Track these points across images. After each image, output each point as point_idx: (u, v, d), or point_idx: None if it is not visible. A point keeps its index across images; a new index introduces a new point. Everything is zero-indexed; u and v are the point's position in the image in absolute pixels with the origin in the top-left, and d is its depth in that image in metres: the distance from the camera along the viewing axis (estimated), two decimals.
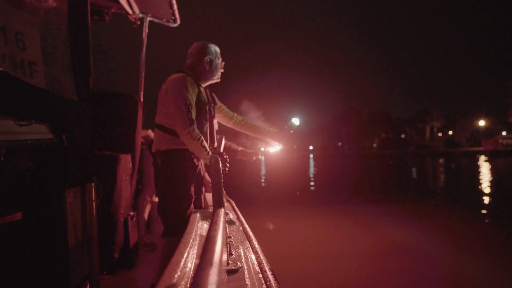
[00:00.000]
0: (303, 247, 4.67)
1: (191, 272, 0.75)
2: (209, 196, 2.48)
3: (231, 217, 1.47)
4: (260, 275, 0.86)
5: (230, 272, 0.81)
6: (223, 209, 0.81)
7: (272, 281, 0.81)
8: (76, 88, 1.18)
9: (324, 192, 11.08)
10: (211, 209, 1.89)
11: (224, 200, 2.56)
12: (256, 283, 0.80)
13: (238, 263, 0.87)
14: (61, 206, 1.16)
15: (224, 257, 0.46)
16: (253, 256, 0.99)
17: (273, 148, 2.57)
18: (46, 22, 1.13)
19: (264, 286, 0.81)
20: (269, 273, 0.85)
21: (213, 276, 0.34)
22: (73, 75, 1.17)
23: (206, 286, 0.33)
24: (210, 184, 1.95)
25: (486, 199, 8.33)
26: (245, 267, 0.87)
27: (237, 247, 1.02)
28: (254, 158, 2.58)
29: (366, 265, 3.84)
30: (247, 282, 0.78)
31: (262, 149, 2.68)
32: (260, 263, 0.92)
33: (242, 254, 0.95)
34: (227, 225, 1.28)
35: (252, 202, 8.63)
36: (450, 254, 4.19)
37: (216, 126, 2.38)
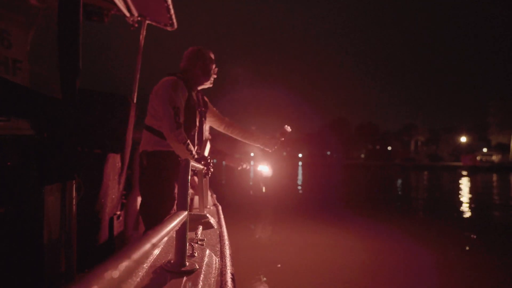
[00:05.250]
0: (283, 252, 4.65)
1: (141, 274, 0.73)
2: (197, 199, 2.44)
3: (212, 221, 1.44)
4: (218, 278, 0.83)
5: (184, 273, 0.79)
6: (185, 212, 0.78)
7: (229, 285, 0.78)
8: (62, 87, 1.15)
9: (313, 203, 11.15)
10: (195, 212, 1.86)
11: (211, 203, 2.53)
12: (211, 286, 0.77)
13: (196, 265, 0.83)
14: (39, 203, 1.13)
15: (149, 255, 0.43)
16: (217, 260, 0.96)
17: (262, 167, 2.49)
18: (34, 21, 1.10)
19: None
20: (228, 276, 0.82)
21: (111, 268, 0.32)
22: (60, 74, 1.14)
23: (102, 273, 0.30)
24: (198, 187, 1.93)
25: (461, 211, 8.45)
26: (204, 269, 0.83)
27: (204, 250, 0.99)
28: (239, 168, 2.52)
29: (349, 273, 3.83)
30: (199, 284, 0.75)
31: (252, 155, 2.63)
32: (223, 267, 0.89)
33: (207, 257, 0.92)
34: (200, 228, 1.26)
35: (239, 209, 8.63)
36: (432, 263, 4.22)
37: (207, 131, 2.35)
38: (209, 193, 2.41)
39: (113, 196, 2.41)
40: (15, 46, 1.04)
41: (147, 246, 0.43)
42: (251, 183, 15.62)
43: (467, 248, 5.15)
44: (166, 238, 0.56)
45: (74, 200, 1.27)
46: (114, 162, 2.38)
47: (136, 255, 0.38)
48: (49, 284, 1.20)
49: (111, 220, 2.39)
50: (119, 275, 0.32)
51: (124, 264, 0.34)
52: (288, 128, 2.35)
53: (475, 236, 5.93)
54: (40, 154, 1.11)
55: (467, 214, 8.29)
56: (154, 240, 0.47)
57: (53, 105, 1.15)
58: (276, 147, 2.36)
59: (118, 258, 0.35)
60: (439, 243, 5.13)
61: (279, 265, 3.99)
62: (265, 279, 3.58)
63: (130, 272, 0.35)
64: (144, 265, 0.80)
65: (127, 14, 3.08)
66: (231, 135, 2.43)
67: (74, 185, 1.29)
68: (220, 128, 2.43)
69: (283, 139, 2.37)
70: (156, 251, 0.92)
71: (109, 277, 0.31)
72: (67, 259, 1.28)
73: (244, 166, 2.49)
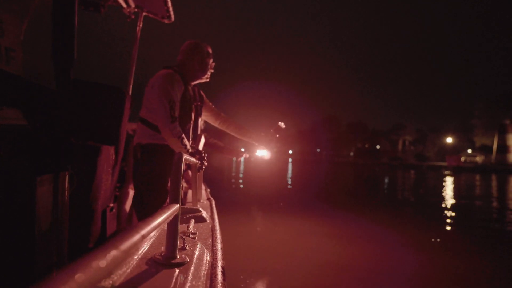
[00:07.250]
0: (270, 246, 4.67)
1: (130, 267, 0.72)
2: (191, 193, 2.42)
3: (204, 215, 1.43)
4: (208, 271, 0.82)
5: (174, 265, 0.78)
6: (177, 205, 0.77)
7: (219, 278, 0.78)
8: (56, 77, 1.12)
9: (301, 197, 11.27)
10: (189, 205, 1.84)
11: (205, 197, 2.52)
12: (201, 279, 0.76)
13: (187, 258, 0.83)
14: (31, 193, 1.10)
15: (138, 246, 0.43)
16: (208, 253, 0.95)
17: (260, 152, 2.50)
18: (28, 9, 1.06)
19: (208, 281, 0.77)
20: (219, 270, 0.82)
21: (99, 257, 0.31)
22: (54, 64, 1.11)
23: (89, 262, 0.30)
24: (194, 181, 1.92)
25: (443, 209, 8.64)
26: (194, 262, 0.83)
27: (195, 243, 0.98)
28: (239, 159, 2.53)
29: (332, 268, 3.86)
30: (189, 276, 0.74)
31: (242, 150, 2.62)
32: (213, 260, 0.89)
33: (198, 251, 0.91)
34: (193, 221, 1.24)
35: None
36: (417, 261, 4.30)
37: (202, 125, 2.32)
38: (203, 187, 2.39)
39: (106, 189, 2.37)
40: (8, 35, 1.00)
41: (136, 237, 0.42)
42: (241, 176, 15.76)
43: (440, 233, 5.73)
44: (156, 230, 0.54)
45: (66, 191, 1.24)
46: (108, 154, 2.34)
47: (125, 245, 0.37)
48: (40, 274, 1.18)
49: (104, 212, 2.35)
50: (106, 264, 0.32)
51: (112, 254, 0.34)
52: (282, 125, 2.34)
53: (450, 226, 6.49)
54: (33, 145, 1.07)
55: (445, 208, 8.86)
56: (144, 231, 0.46)
57: (47, 95, 1.12)
58: (271, 143, 2.35)
59: (106, 248, 0.34)
60: (417, 234, 5.60)
61: (270, 259, 4.01)
62: (255, 274, 3.60)
63: (117, 262, 0.34)
64: (136, 257, 0.79)
65: (124, 5, 3.01)
66: (226, 130, 2.41)
67: (67, 176, 1.26)
68: (216, 124, 2.40)
69: (277, 135, 2.36)
70: (148, 243, 0.91)
71: (96, 266, 0.30)
72: (59, 250, 1.25)
73: (245, 155, 2.50)
